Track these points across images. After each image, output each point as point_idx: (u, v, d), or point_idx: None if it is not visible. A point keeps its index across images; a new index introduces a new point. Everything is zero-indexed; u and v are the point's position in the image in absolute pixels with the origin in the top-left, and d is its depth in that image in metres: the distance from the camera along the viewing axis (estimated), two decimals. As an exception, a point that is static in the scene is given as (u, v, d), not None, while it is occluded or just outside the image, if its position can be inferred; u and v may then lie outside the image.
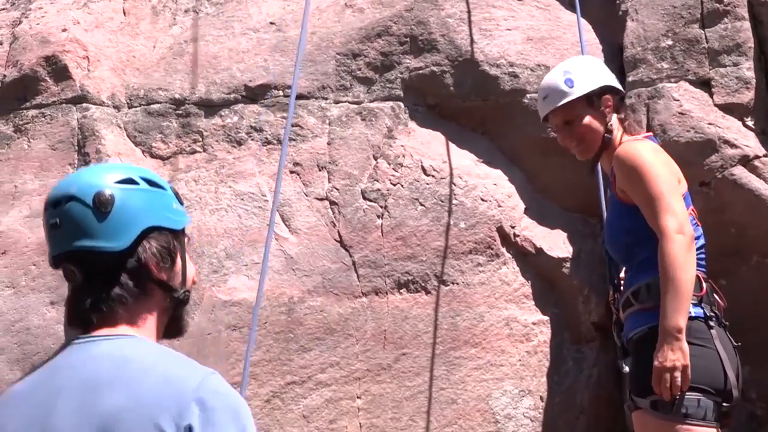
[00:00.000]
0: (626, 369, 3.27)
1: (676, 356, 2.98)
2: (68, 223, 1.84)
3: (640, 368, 3.13)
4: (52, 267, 1.91)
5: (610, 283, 3.56)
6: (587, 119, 3.41)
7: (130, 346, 1.78)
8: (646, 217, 3.17)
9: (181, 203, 1.98)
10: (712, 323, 3.14)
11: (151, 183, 1.91)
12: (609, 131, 3.42)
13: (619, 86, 3.54)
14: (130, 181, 1.88)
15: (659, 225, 3.09)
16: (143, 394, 1.67)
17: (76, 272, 1.83)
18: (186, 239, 1.98)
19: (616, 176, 3.30)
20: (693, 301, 3.14)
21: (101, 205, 1.83)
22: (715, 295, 3.26)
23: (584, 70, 3.45)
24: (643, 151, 3.25)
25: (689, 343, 3.05)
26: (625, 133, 3.45)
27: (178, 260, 1.91)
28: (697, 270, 3.20)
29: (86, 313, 1.82)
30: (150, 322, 1.87)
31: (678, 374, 2.99)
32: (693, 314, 3.13)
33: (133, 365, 1.72)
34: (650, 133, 3.64)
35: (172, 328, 1.93)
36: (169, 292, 1.89)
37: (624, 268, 3.45)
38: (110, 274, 1.83)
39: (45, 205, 1.90)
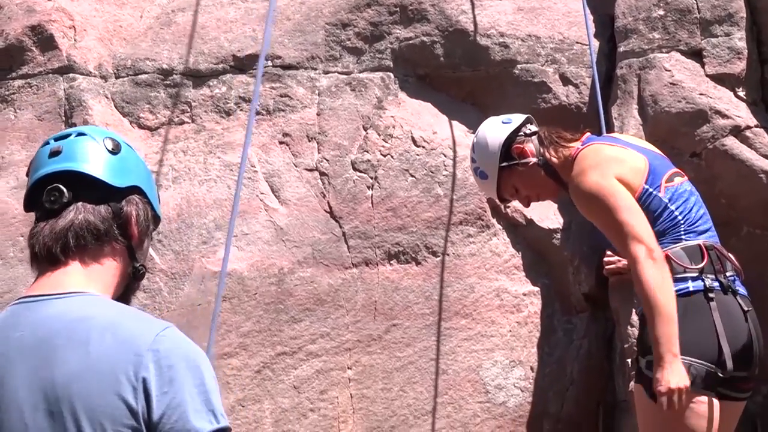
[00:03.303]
0: None
1: (676, 378, 3.00)
2: (73, 151, 1.81)
3: (644, 332, 3.18)
4: (28, 192, 1.83)
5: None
6: (524, 179, 3.52)
7: (83, 304, 1.70)
8: (613, 244, 3.20)
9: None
10: (712, 295, 3.15)
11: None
12: (546, 165, 3.43)
13: (513, 122, 3.55)
14: (128, 145, 1.91)
15: (628, 254, 3.12)
16: (98, 356, 1.60)
17: (65, 192, 1.77)
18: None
19: (577, 207, 3.31)
20: (692, 275, 3.16)
21: (111, 145, 1.85)
22: (724, 259, 3.27)
23: (483, 152, 3.54)
24: (594, 178, 3.22)
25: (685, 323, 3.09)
26: (556, 148, 3.44)
27: (148, 237, 1.89)
28: (697, 238, 3.22)
29: (56, 241, 1.76)
30: (108, 275, 1.79)
31: (681, 394, 3.00)
32: (692, 288, 3.16)
33: (87, 325, 1.64)
34: (587, 133, 3.60)
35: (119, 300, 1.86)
36: (132, 256, 1.84)
37: None
38: (94, 205, 1.80)
39: (43, 143, 1.86)
